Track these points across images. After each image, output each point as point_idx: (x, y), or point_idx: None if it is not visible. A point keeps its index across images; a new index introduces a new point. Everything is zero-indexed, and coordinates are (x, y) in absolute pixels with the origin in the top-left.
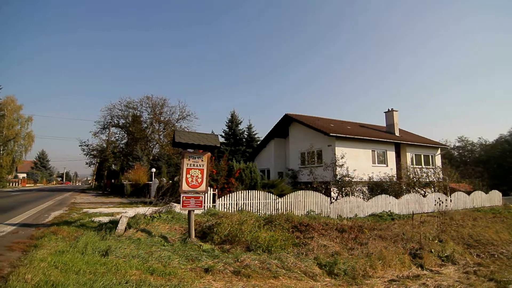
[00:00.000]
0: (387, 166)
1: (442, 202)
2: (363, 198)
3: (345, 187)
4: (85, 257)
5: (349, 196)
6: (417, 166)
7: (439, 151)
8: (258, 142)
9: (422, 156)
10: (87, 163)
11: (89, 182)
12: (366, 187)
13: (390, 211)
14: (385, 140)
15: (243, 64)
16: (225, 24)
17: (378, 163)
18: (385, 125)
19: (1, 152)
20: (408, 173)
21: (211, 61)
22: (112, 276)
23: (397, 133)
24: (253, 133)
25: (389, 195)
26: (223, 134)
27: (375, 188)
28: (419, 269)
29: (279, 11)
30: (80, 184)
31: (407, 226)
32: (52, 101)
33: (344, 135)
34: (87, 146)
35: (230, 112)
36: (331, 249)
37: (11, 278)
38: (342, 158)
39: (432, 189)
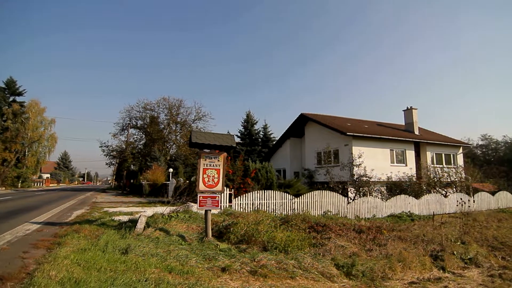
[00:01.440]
0: (406, 165)
1: (465, 203)
2: (382, 199)
3: (362, 187)
4: (106, 255)
5: (367, 196)
6: (437, 166)
7: (461, 150)
8: (274, 142)
9: (443, 155)
10: (107, 164)
11: (109, 182)
12: (385, 187)
13: (409, 211)
14: (404, 139)
15: (259, 64)
16: (239, 25)
17: (396, 163)
18: (404, 124)
19: (26, 153)
20: (429, 172)
21: (226, 61)
22: (132, 274)
23: (416, 132)
24: (269, 133)
25: (409, 195)
26: (238, 134)
27: (394, 188)
28: (441, 271)
29: (295, 9)
30: (100, 184)
31: (428, 227)
32: (71, 100)
33: (361, 134)
34: (107, 147)
35: (245, 112)
36: (348, 250)
37: (36, 275)
38: (359, 157)
39: (454, 189)
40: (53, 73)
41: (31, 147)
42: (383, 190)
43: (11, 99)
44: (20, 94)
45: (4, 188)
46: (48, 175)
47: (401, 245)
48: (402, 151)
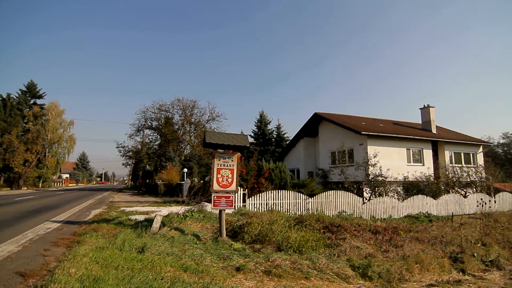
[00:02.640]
0: (423, 165)
1: (485, 203)
2: (398, 199)
3: (378, 187)
4: (123, 253)
5: (382, 196)
6: (456, 165)
7: (481, 149)
8: (287, 142)
9: (462, 154)
10: (123, 164)
11: (126, 182)
12: (401, 187)
13: (427, 212)
14: (421, 138)
15: (272, 64)
16: (253, 23)
17: (413, 162)
18: (420, 122)
19: (47, 154)
20: (447, 172)
21: (239, 62)
22: (148, 272)
23: (434, 131)
24: (282, 133)
25: (426, 196)
26: (252, 134)
27: (411, 188)
28: (460, 274)
29: (312, 7)
30: (117, 184)
31: (447, 228)
32: (88, 101)
33: (377, 133)
34: (123, 147)
35: (258, 112)
36: (364, 251)
37: (57, 272)
38: (374, 157)
39: (474, 189)
40: (69, 72)
41: (51, 148)
42: (399, 190)
43: (31, 101)
44: (40, 96)
45: (26, 188)
46: (68, 175)
47: (419, 247)
48: (419, 150)
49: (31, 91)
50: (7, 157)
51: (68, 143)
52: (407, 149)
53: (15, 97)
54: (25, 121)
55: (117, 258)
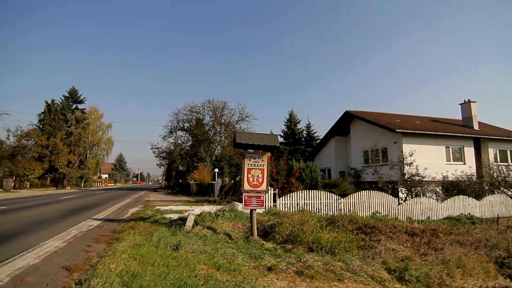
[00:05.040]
0: (464, 164)
1: None
2: (437, 199)
3: (415, 187)
4: (158, 250)
5: (419, 197)
6: (502, 164)
7: None
8: (318, 141)
9: (508, 151)
10: (157, 164)
11: (160, 181)
12: (440, 187)
13: (469, 214)
14: (462, 135)
15: (302, 64)
16: (283, 23)
17: (453, 161)
18: (461, 119)
19: (88, 155)
20: (491, 171)
21: (269, 62)
22: (183, 269)
23: (476, 127)
24: (312, 132)
25: (468, 196)
26: (281, 134)
27: (451, 188)
28: (508, 280)
29: (345, 5)
30: (152, 183)
31: (491, 231)
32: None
33: (412, 131)
34: (157, 149)
35: (288, 112)
36: (400, 254)
37: (98, 267)
38: (410, 155)
39: None
40: (106, 73)
41: (92, 150)
42: (438, 190)
43: (73, 106)
44: (81, 101)
45: (69, 188)
46: (107, 175)
47: (460, 250)
48: (460, 148)
49: (73, 96)
50: (52, 158)
51: (106, 145)
52: (446, 147)
53: (58, 103)
54: (68, 124)
55: (153, 255)
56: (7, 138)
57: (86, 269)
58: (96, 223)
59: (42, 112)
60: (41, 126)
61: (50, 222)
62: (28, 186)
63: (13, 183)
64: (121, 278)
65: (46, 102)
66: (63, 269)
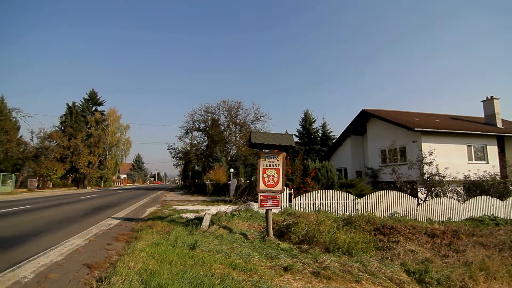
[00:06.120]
0: (487, 163)
1: None
2: (458, 200)
3: (435, 187)
4: (175, 249)
5: (440, 197)
6: None
7: None
8: (333, 141)
9: None
10: (174, 165)
11: (176, 181)
12: (461, 187)
13: (493, 215)
14: (484, 133)
15: (318, 63)
16: (301, 22)
17: (475, 160)
18: (483, 116)
19: (107, 156)
20: None
21: (284, 62)
22: (200, 268)
23: (499, 125)
24: (328, 132)
25: (492, 197)
26: (297, 134)
27: (473, 188)
28: None
29: (364, 3)
30: (169, 183)
31: None
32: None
33: (432, 129)
34: (174, 149)
35: (303, 111)
36: (420, 255)
37: (118, 265)
38: (430, 155)
39: None
40: (124, 73)
41: (111, 151)
42: (459, 190)
43: (93, 108)
44: (100, 104)
45: (90, 187)
46: (125, 176)
47: (484, 252)
48: (482, 146)
49: (92, 99)
50: (74, 159)
51: (125, 146)
52: (467, 145)
53: (79, 105)
54: (88, 126)
55: (170, 254)
56: (31, 139)
57: (106, 267)
58: (116, 222)
59: (64, 114)
60: (62, 128)
61: (72, 221)
62: (51, 186)
63: (37, 183)
64: (140, 276)
65: (68, 104)
66: (84, 266)
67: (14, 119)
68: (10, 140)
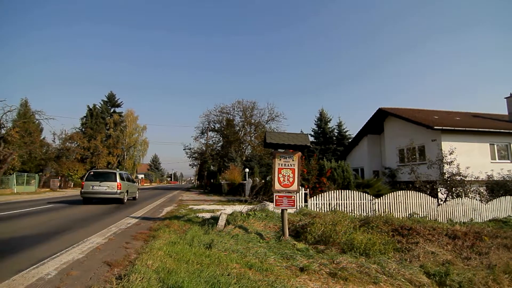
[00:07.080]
0: (511, 162)
1: None
2: (480, 200)
3: (456, 187)
4: (192, 248)
5: (461, 197)
6: None
7: None
8: (350, 140)
9: None
10: (190, 165)
11: (192, 181)
12: (484, 187)
13: None
14: (508, 131)
15: (335, 63)
16: (316, 23)
17: (499, 159)
18: (506, 113)
19: (125, 157)
20: None
21: (299, 62)
22: (216, 267)
23: None
24: (344, 131)
25: None
26: (312, 133)
27: (496, 188)
28: None
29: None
30: (185, 183)
31: None
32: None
33: (452, 128)
34: (190, 149)
35: (318, 110)
36: (440, 257)
37: (136, 263)
38: (450, 154)
39: None
40: (140, 73)
41: (128, 151)
42: (482, 190)
43: (111, 110)
44: (118, 105)
45: None
46: (142, 176)
47: (508, 255)
48: (506, 145)
49: (111, 101)
50: (93, 160)
51: (142, 146)
52: (490, 144)
53: (98, 107)
54: (107, 127)
55: (187, 253)
56: (53, 141)
57: (125, 265)
58: (134, 221)
59: (84, 116)
60: (82, 129)
61: (92, 220)
62: (72, 186)
63: (59, 183)
64: (157, 274)
65: (88, 106)
66: (104, 264)
67: (37, 121)
68: (33, 141)
